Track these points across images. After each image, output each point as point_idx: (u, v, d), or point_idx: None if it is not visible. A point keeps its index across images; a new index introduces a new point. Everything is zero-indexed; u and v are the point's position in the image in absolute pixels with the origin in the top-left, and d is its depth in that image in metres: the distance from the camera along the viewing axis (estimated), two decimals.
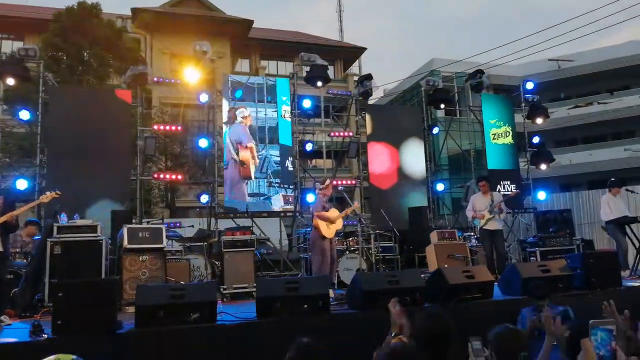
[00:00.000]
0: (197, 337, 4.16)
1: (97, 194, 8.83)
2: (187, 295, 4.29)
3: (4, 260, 5.41)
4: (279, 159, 10.69)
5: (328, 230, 6.89)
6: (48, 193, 5.82)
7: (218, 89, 10.45)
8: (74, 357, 1.79)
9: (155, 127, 10.79)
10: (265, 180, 10.49)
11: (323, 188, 7.22)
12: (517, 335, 2.75)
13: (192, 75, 9.73)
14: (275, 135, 10.78)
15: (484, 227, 8.01)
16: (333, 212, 7.06)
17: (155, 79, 10.04)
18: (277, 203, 10.56)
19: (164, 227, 6.87)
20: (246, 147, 10.38)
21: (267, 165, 10.60)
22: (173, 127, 10.91)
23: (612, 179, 8.72)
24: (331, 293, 6.44)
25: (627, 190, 9.04)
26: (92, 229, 6.42)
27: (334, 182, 11.56)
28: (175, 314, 4.17)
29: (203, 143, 10.08)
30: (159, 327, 4.09)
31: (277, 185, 10.61)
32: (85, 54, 16.00)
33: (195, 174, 17.24)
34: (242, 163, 10.30)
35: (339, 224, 7.10)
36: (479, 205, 8.12)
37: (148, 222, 8.63)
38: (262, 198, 10.41)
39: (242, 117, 10.47)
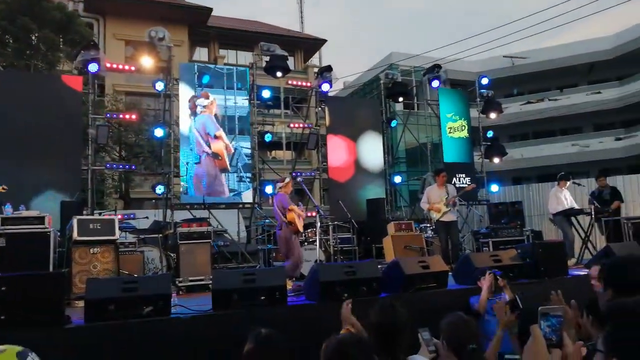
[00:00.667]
0: (150, 331, 4.05)
1: (44, 184, 8.44)
2: (139, 288, 4.16)
3: None
4: (250, 151, 10.45)
5: (300, 224, 6.90)
6: None
7: (175, 77, 10.18)
8: (21, 348, 1.70)
9: (108, 115, 10.42)
10: (236, 174, 10.19)
11: (283, 186, 7.16)
12: (468, 324, 2.81)
13: (147, 62, 9.44)
14: (246, 126, 10.52)
15: (440, 220, 8.17)
16: (297, 209, 7.05)
17: (108, 65, 9.65)
18: (249, 199, 10.32)
19: (116, 218, 6.64)
20: (215, 137, 10.13)
21: (237, 158, 10.28)
22: (127, 116, 10.57)
23: (561, 173, 9.08)
24: (289, 284, 6.45)
25: (574, 183, 9.43)
26: (40, 220, 6.13)
27: (293, 174, 11.58)
28: (127, 308, 4.03)
29: (159, 132, 9.81)
30: (110, 321, 3.96)
31: (248, 180, 10.31)
32: (33, 37, 15.24)
33: (151, 164, 16.81)
34: (216, 155, 10.05)
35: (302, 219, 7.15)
36: (434, 198, 8.28)
37: (100, 214, 8.35)
38: (231, 194, 10.12)
39: (203, 107, 10.19)
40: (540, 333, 1.37)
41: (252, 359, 2.26)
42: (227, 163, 10.10)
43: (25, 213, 6.23)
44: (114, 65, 9.94)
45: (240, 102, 10.49)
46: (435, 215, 8.22)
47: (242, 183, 10.19)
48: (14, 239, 5.85)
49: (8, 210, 6.14)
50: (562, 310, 1.45)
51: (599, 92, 26.36)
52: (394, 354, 2.44)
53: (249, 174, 10.30)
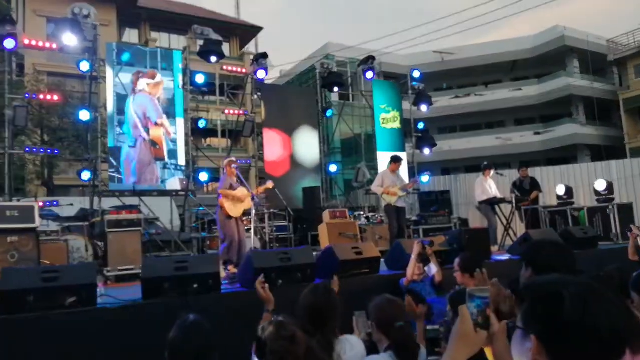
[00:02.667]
0: (74, 323, 3.85)
1: None
2: (61, 278, 3.94)
3: None
4: (175, 136, 10.03)
5: (234, 209, 6.71)
6: None
7: (102, 58, 9.66)
8: None
9: (28, 95, 9.73)
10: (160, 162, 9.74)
11: (225, 167, 7.01)
12: (394, 304, 2.92)
13: (70, 40, 8.87)
14: (171, 109, 10.02)
15: (393, 204, 8.21)
16: (241, 191, 6.82)
17: (27, 41, 8.99)
18: (174, 187, 9.91)
19: (36, 205, 6.26)
20: (156, 124, 9.65)
21: None
22: (49, 97, 9.92)
23: (485, 163, 9.56)
24: (222, 273, 6.36)
25: (497, 173, 9.97)
26: None
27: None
28: (47, 299, 3.81)
29: (84, 116, 9.29)
30: (29, 313, 3.73)
31: (173, 167, 9.88)
32: None
33: (77, 149, 15.90)
34: (154, 143, 9.58)
35: (246, 204, 6.82)
36: (388, 182, 8.31)
37: (19, 200, 7.82)
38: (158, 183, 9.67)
39: (146, 85, 9.63)
40: (468, 313, 1.42)
41: (177, 345, 2.22)
42: (165, 152, 9.69)
43: None
44: (33, 42, 9.27)
45: (165, 83, 10.00)
46: (390, 200, 8.21)
47: (166, 170, 9.77)
48: None
49: None
50: (487, 292, 1.52)
51: (520, 89, 27.90)
52: (326, 334, 2.48)
53: (173, 161, 9.90)
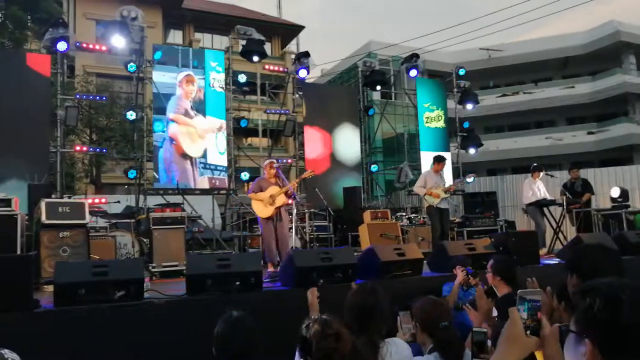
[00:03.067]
0: (122, 316, 3.95)
1: (12, 167, 8.15)
2: (110, 273, 4.05)
3: None
4: (210, 136, 10.10)
5: (264, 210, 6.73)
6: None
7: (148, 59, 9.92)
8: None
9: (78, 96, 10.09)
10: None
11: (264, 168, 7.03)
12: (439, 305, 2.86)
13: (118, 42, 9.14)
14: (201, 107, 10.11)
15: (436, 206, 8.02)
16: (271, 190, 6.76)
17: (77, 44, 9.33)
18: (203, 186, 10.02)
19: (86, 202, 6.47)
20: (186, 123, 9.91)
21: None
22: (98, 97, 10.27)
23: (534, 164, 9.22)
24: (271, 267, 6.38)
25: (547, 174, 9.60)
26: (6, 202, 5.92)
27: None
28: (98, 292, 3.91)
29: (131, 115, 9.58)
30: (81, 305, 3.84)
31: (201, 166, 10.00)
32: (0, 14, 14.64)
33: (123, 148, 16.43)
34: (171, 139, 9.75)
35: (279, 201, 6.72)
36: (431, 183, 8.14)
37: (69, 198, 8.11)
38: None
39: (180, 84, 9.85)
40: (518, 316, 1.36)
41: (222, 339, 2.27)
42: (184, 148, 9.77)
43: None
44: (84, 44, 9.60)
45: (197, 82, 10.12)
46: (433, 201, 8.04)
47: (196, 169, 9.88)
48: None
49: None
50: (540, 294, 1.44)
51: (573, 87, 26.87)
52: (371, 336, 2.43)
53: (202, 160, 9.97)
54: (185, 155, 9.81)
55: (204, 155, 10.03)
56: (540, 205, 8.72)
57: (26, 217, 6.45)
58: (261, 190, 6.76)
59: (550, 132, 27.13)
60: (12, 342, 3.44)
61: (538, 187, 8.85)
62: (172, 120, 9.78)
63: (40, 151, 8.66)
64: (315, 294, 3.31)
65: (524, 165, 12.80)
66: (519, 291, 1.46)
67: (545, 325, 1.38)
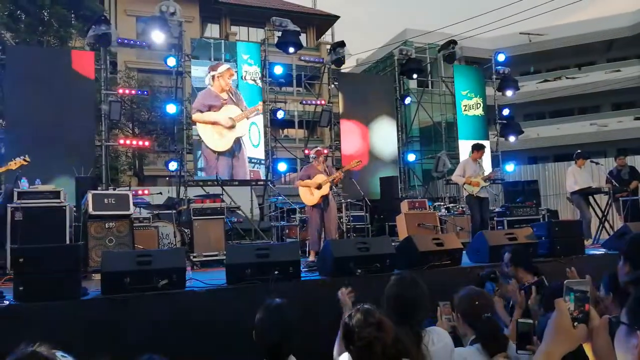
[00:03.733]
0: (166, 304, 4.08)
1: (61, 161, 8.49)
2: (154, 262, 4.18)
3: None
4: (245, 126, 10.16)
5: (311, 198, 6.81)
6: (17, 159, 5.60)
7: (187, 53, 10.10)
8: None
9: (121, 91, 10.40)
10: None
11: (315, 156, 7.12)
12: (481, 296, 2.82)
13: (158, 37, 9.34)
14: (235, 99, 10.14)
15: (476, 195, 7.90)
16: (318, 178, 6.81)
17: (119, 40, 9.59)
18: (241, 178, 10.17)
19: (130, 193, 6.68)
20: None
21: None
22: (139, 92, 10.55)
23: (578, 151, 8.91)
24: (313, 255, 6.45)
25: (592, 162, 9.26)
26: (55, 194, 6.18)
27: (306, 152, 11.54)
28: (142, 281, 4.05)
29: (171, 109, 9.80)
30: (126, 293, 3.99)
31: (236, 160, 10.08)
32: (45, 13, 15.20)
33: (164, 141, 16.86)
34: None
35: (325, 189, 6.77)
36: (469, 171, 8.03)
37: (114, 189, 8.39)
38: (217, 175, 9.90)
39: (212, 77, 9.93)
40: (565, 307, 1.32)
41: (263, 327, 2.34)
42: (211, 146, 9.80)
43: (40, 187, 6.28)
44: (125, 40, 9.87)
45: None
46: (472, 190, 7.92)
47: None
48: (31, 213, 5.90)
49: (24, 184, 6.19)
50: (588, 285, 1.40)
51: (619, 70, 25.71)
52: (413, 326, 2.43)
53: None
54: (217, 152, 9.92)
55: (238, 149, 10.12)
56: (585, 194, 8.44)
57: (74, 209, 6.72)
58: (309, 178, 6.83)
59: (595, 118, 26.12)
60: (62, 328, 3.64)
61: (583, 175, 8.56)
62: (193, 123, 9.86)
63: (86, 145, 8.99)
64: (346, 293, 3.32)
65: (567, 153, 12.36)
66: (565, 281, 1.42)
67: (594, 317, 1.33)
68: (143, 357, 1.75)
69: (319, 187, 6.74)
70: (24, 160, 5.57)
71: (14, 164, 5.54)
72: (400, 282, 2.66)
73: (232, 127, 9.99)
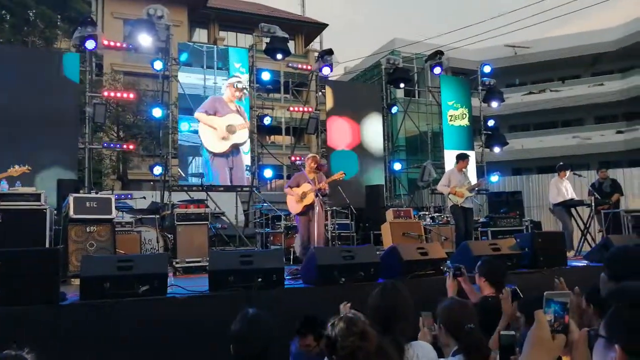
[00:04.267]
0: (146, 310, 4.01)
1: (43, 163, 8.36)
2: (135, 267, 4.12)
3: None
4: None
5: (295, 206, 6.76)
6: (17, 167, 5.51)
7: (174, 58, 10.04)
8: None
9: (106, 93, 10.28)
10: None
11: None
12: (464, 307, 2.79)
13: (145, 40, 9.27)
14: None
15: (461, 205, 7.91)
16: (305, 187, 6.73)
17: (106, 42, 9.49)
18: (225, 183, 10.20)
19: (113, 197, 6.58)
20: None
21: None
22: (125, 95, 10.44)
23: (561, 163, 9.02)
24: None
25: (574, 174, 9.38)
26: (35, 197, 6.06)
27: (292, 159, 11.52)
28: (122, 286, 3.98)
29: (157, 113, 9.71)
30: (105, 299, 3.92)
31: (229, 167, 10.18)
32: (31, 13, 15.01)
33: (149, 145, 16.70)
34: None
35: (309, 199, 6.67)
36: (455, 181, 8.04)
37: (96, 193, 8.27)
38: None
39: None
40: (545, 318, 1.32)
41: (239, 338, 2.28)
42: (207, 145, 10.00)
43: (20, 189, 6.15)
44: (112, 43, 9.77)
45: (220, 82, 10.27)
46: (457, 200, 7.93)
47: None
48: (10, 215, 5.79)
49: (4, 186, 6.07)
50: (567, 297, 1.40)
51: (602, 84, 26.19)
52: (396, 337, 2.39)
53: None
54: (213, 153, 9.99)
55: (236, 154, 10.21)
56: (567, 206, 8.53)
57: (54, 212, 6.60)
58: (297, 186, 6.78)
59: (577, 131, 26.53)
60: (39, 333, 3.55)
61: (565, 187, 8.66)
62: (196, 119, 9.95)
63: (69, 147, 8.85)
64: (348, 308, 3.28)
65: (550, 165, 12.51)
66: (545, 293, 1.42)
67: (573, 330, 1.34)
68: None
69: (303, 196, 6.69)
70: (27, 168, 5.52)
71: (15, 171, 5.47)
72: (382, 291, 2.64)
73: (229, 134, 10.12)
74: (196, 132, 9.96)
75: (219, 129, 10.12)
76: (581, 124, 27.40)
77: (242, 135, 10.31)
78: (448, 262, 4.33)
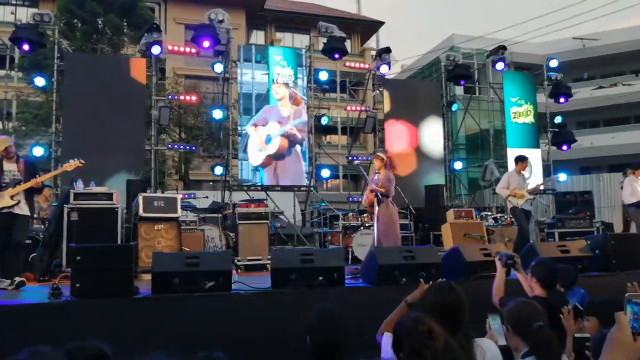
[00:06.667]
0: (212, 305, 4.14)
1: (114, 164, 8.84)
2: (201, 264, 4.26)
3: (28, 223, 5.58)
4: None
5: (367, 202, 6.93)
6: (72, 161, 5.83)
7: (233, 60, 10.30)
8: None
9: (170, 96, 10.71)
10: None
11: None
12: (532, 306, 2.72)
13: (207, 44, 9.57)
14: (264, 105, 10.15)
15: (520, 207, 7.82)
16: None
17: (170, 47, 9.89)
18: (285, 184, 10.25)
19: (178, 197, 6.85)
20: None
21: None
22: (187, 97, 10.82)
23: (637, 161, 8.50)
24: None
25: None
26: (108, 196, 6.43)
27: (348, 158, 11.52)
28: (190, 282, 4.14)
29: (217, 114, 9.99)
30: (175, 293, 4.08)
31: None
32: (99, 21, 15.84)
33: (210, 146, 17.23)
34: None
35: (368, 199, 6.83)
36: (514, 184, 7.96)
37: (162, 193, 8.64)
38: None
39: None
40: (625, 320, 1.28)
41: (318, 329, 2.35)
42: (250, 158, 10.06)
43: (95, 189, 6.53)
44: (175, 48, 10.16)
45: (258, 77, 10.21)
46: (517, 202, 7.84)
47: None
48: (85, 214, 6.15)
49: (79, 186, 6.45)
50: None
51: None
52: (465, 333, 2.36)
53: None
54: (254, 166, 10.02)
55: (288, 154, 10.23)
56: None
57: (125, 210, 6.95)
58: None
59: None
60: (114, 325, 3.75)
61: None
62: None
63: (136, 149, 9.30)
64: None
65: (622, 163, 11.80)
66: (626, 295, 1.37)
67: None
68: (200, 354, 1.78)
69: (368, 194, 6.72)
70: (80, 162, 5.79)
71: (70, 165, 5.76)
72: (439, 291, 2.60)
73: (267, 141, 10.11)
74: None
75: (257, 139, 10.04)
76: None
77: (274, 145, 10.06)
78: (502, 252, 4.23)
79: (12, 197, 5.17)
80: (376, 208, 6.61)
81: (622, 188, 8.49)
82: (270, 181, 10.04)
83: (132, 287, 4.06)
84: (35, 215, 7.22)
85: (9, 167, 5.29)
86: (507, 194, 7.92)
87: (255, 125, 10.06)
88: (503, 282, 3.88)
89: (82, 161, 5.88)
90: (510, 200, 7.93)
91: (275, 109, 10.21)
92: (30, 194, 5.37)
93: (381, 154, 7.11)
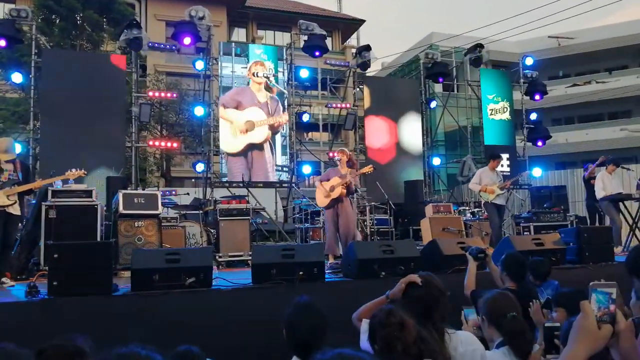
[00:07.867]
0: (193, 301, 4.17)
1: (93, 161, 8.71)
2: (182, 260, 4.28)
3: (19, 223, 5.66)
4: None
5: (322, 200, 6.86)
6: (74, 170, 5.89)
7: (215, 57, 10.27)
8: None
9: (151, 93, 10.63)
10: None
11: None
12: (507, 297, 2.78)
13: (187, 41, 9.52)
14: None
15: (492, 202, 8.07)
16: (334, 181, 6.82)
17: (150, 43, 9.81)
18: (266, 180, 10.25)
19: (159, 193, 6.83)
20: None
21: None
22: (169, 94, 10.76)
23: (610, 157, 8.74)
24: (331, 258, 6.48)
25: (623, 168, 9.06)
26: (87, 193, 6.37)
27: (330, 154, 11.58)
28: (170, 278, 4.15)
29: (199, 111, 9.96)
30: (155, 290, 4.10)
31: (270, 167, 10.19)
32: (78, 17, 15.60)
33: (191, 143, 17.13)
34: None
35: (336, 193, 6.74)
36: (486, 180, 8.19)
37: (143, 190, 8.59)
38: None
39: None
40: (590, 308, 1.33)
41: (295, 323, 2.36)
42: (221, 145, 10.03)
43: (74, 186, 6.46)
44: (156, 44, 10.08)
45: (238, 70, 10.13)
46: (487, 197, 8.09)
47: None
48: (64, 211, 6.10)
49: (58, 183, 6.39)
50: (613, 287, 1.40)
51: None
52: (435, 323, 2.39)
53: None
54: (227, 153, 9.89)
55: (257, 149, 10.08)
56: (615, 200, 8.26)
57: (104, 208, 6.91)
58: (327, 180, 6.86)
59: (625, 123, 25.44)
60: (94, 322, 3.75)
61: (612, 181, 8.39)
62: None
63: (117, 146, 9.22)
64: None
65: (596, 159, 12.07)
66: (591, 283, 1.42)
67: (620, 320, 1.33)
68: (180, 347, 1.81)
69: (331, 189, 6.75)
70: (83, 172, 5.88)
71: (72, 174, 5.84)
72: (416, 284, 2.63)
73: (246, 131, 9.90)
74: None
75: (236, 123, 9.83)
76: (629, 116, 26.28)
77: (261, 134, 9.95)
78: (472, 247, 4.39)
79: (8, 197, 5.22)
80: (345, 202, 6.80)
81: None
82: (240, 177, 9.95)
83: (111, 285, 4.06)
84: None
85: (6, 166, 5.37)
86: (479, 189, 8.21)
87: (224, 106, 9.82)
88: (474, 275, 4.00)
89: (85, 172, 5.95)
90: (481, 195, 8.25)
91: (248, 91, 10.03)
92: (20, 194, 5.42)
93: (346, 150, 7.32)
